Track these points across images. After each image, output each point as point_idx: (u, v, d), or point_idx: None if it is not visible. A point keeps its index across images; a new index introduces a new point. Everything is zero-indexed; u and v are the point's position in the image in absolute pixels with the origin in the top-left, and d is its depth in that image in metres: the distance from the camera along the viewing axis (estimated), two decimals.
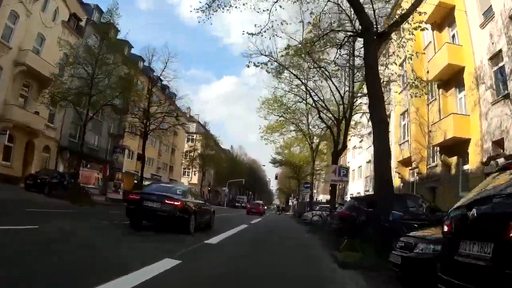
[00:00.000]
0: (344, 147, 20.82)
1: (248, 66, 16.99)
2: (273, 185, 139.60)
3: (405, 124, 25.96)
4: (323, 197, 68.11)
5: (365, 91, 15.43)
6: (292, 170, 58.42)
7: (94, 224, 11.86)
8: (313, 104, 22.54)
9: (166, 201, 10.50)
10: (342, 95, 20.35)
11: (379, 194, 9.32)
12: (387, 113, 31.24)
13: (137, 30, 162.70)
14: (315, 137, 32.13)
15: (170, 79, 35.04)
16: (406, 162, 25.24)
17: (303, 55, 16.53)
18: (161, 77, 35.14)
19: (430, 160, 22.34)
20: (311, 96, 21.92)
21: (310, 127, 30.84)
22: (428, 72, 22.56)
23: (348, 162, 51.25)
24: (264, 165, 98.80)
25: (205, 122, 74.41)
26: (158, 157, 56.52)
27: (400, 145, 25.88)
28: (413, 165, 23.08)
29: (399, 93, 24.62)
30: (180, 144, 64.31)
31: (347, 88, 20.36)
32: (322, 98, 21.99)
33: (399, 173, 26.11)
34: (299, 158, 52.68)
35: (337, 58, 15.36)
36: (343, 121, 21.03)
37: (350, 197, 16.27)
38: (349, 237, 9.55)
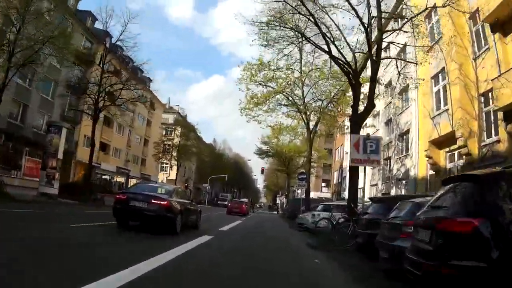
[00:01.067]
0: (371, 107, 13.61)
1: None
2: (260, 183, 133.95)
3: (439, 90, 19.27)
4: (314, 194, 61.25)
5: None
6: (280, 163, 51.46)
7: None
8: (322, 38, 14.68)
9: (153, 201, 10.55)
10: (367, 24, 13.13)
11: None
12: (403, 86, 24.59)
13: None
14: (312, 114, 24.97)
15: (130, 47, 28.02)
16: (442, 142, 18.58)
17: None
18: (119, 42, 28.05)
19: (484, 134, 15.66)
20: (317, 26, 14.14)
21: (306, 100, 23.93)
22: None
23: (347, 153, 44.51)
24: (250, 160, 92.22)
25: (182, 109, 66.91)
26: (128, 148, 48.86)
27: (432, 118, 19.15)
28: (459, 143, 16.35)
29: (427, 50, 17.91)
30: (155, 135, 56.27)
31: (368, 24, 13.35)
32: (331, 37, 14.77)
33: (429, 158, 19.39)
34: (289, 148, 45.79)
35: None
36: (366, 69, 14.23)
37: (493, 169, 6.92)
38: None
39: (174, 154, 53.46)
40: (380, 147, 12.66)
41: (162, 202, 10.56)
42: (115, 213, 11.02)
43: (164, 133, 62.05)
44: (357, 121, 13.60)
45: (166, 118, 67.46)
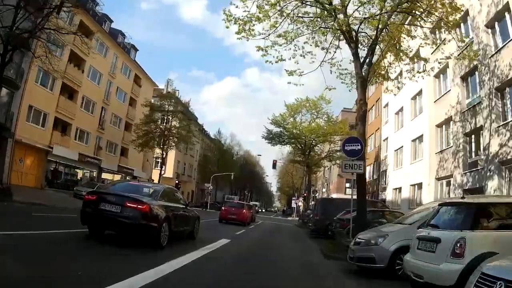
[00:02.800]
0: None
1: None
2: (273, 185, 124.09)
3: None
4: (337, 196, 49.95)
5: None
6: (298, 150, 40.14)
7: None
8: None
9: (128, 204, 8.09)
10: None
11: None
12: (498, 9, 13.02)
13: (139, 31, 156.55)
14: (361, 36, 13.18)
15: None
16: None
17: None
18: None
19: None
20: None
21: (349, 11, 12.62)
22: None
23: (386, 138, 33.20)
24: (260, 155, 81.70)
25: (174, 89, 55.91)
26: (99, 130, 37.95)
27: None
28: None
29: None
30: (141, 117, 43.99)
31: None
32: None
33: None
34: (310, 130, 34.70)
35: None
36: None
37: None
38: None
39: (157, 138, 41.52)
40: None
41: (139, 206, 8.08)
42: (83, 219, 8.49)
43: (160, 122, 49.60)
44: None
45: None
